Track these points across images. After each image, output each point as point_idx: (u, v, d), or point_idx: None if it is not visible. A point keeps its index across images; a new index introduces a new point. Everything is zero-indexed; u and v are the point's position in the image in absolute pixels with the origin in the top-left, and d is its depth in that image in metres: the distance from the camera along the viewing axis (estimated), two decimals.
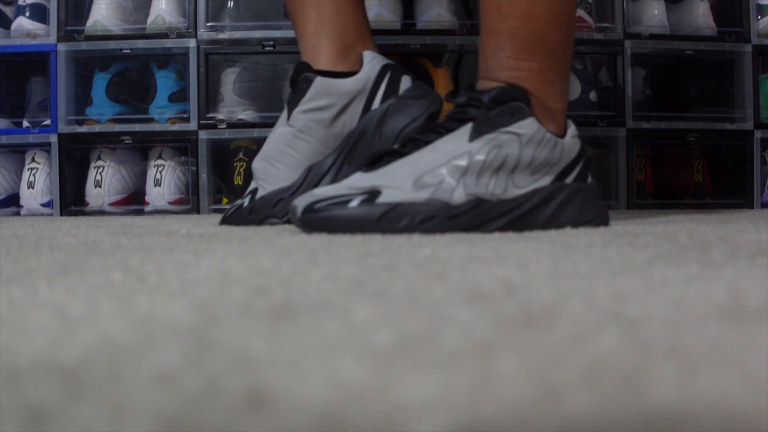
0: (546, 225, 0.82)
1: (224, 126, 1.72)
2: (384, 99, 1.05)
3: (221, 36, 1.71)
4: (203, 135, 1.71)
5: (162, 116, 1.74)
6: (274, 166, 1.05)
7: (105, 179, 1.71)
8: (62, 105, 1.70)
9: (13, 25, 1.72)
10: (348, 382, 0.21)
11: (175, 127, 1.73)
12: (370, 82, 1.05)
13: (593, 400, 0.19)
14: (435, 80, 1.72)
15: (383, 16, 1.68)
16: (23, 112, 1.79)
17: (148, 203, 1.73)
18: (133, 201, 1.77)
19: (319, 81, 1.03)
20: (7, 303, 0.34)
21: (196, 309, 0.32)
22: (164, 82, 1.75)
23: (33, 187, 1.71)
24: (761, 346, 0.25)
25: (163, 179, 1.71)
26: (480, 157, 0.80)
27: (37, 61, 1.74)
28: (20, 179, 1.74)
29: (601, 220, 0.87)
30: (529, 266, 0.45)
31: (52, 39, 1.70)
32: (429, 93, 1.07)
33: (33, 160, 1.72)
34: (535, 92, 0.83)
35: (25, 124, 1.74)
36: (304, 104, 1.04)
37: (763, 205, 1.76)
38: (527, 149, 0.81)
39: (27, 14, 1.70)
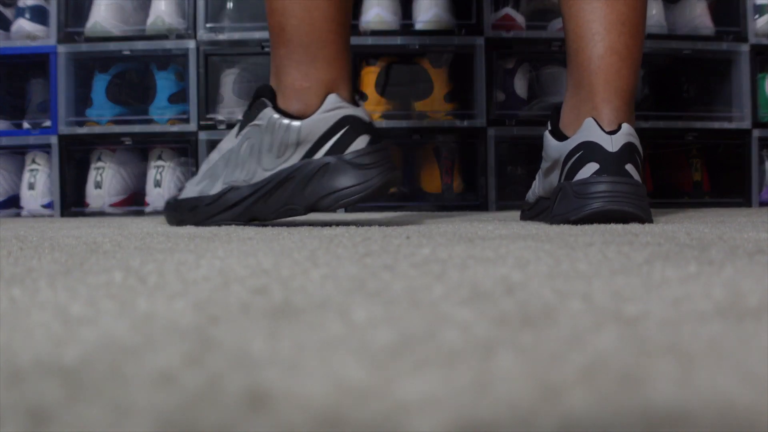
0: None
1: (224, 127, 1.72)
2: (328, 153, 0.91)
3: (221, 37, 1.71)
4: (203, 136, 1.71)
5: (162, 117, 1.74)
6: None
7: (105, 180, 1.71)
8: (62, 106, 1.70)
9: (13, 27, 1.72)
10: (348, 381, 0.21)
11: (175, 128, 1.73)
12: (318, 133, 0.91)
13: (593, 399, 0.19)
14: (433, 80, 1.72)
15: (382, 17, 1.69)
16: (23, 113, 1.79)
17: (148, 204, 1.73)
18: (134, 202, 1.78)
19: (268, 112, 0.94)
20: (8, 303, 0.34)
21: (196, 309, 0.32)
22: (164, 83, 1.75)
23: (33, 189, 1.71)
24: (760, 345, 0.25)
25: (163, 180, 1.71)
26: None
27: (37, 63, 1.74)
28: (20, 181, 1.74)
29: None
30: (528, 266, 0.45)
31: (52, 40, 1.70)
32: (378, 163, 0.92)
33: (33, 161, 1.72)
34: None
35: (26, 125, 1.74)
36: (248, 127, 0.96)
37: (762, 204, 1.76)
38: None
39: (27, 16, 1.70)
